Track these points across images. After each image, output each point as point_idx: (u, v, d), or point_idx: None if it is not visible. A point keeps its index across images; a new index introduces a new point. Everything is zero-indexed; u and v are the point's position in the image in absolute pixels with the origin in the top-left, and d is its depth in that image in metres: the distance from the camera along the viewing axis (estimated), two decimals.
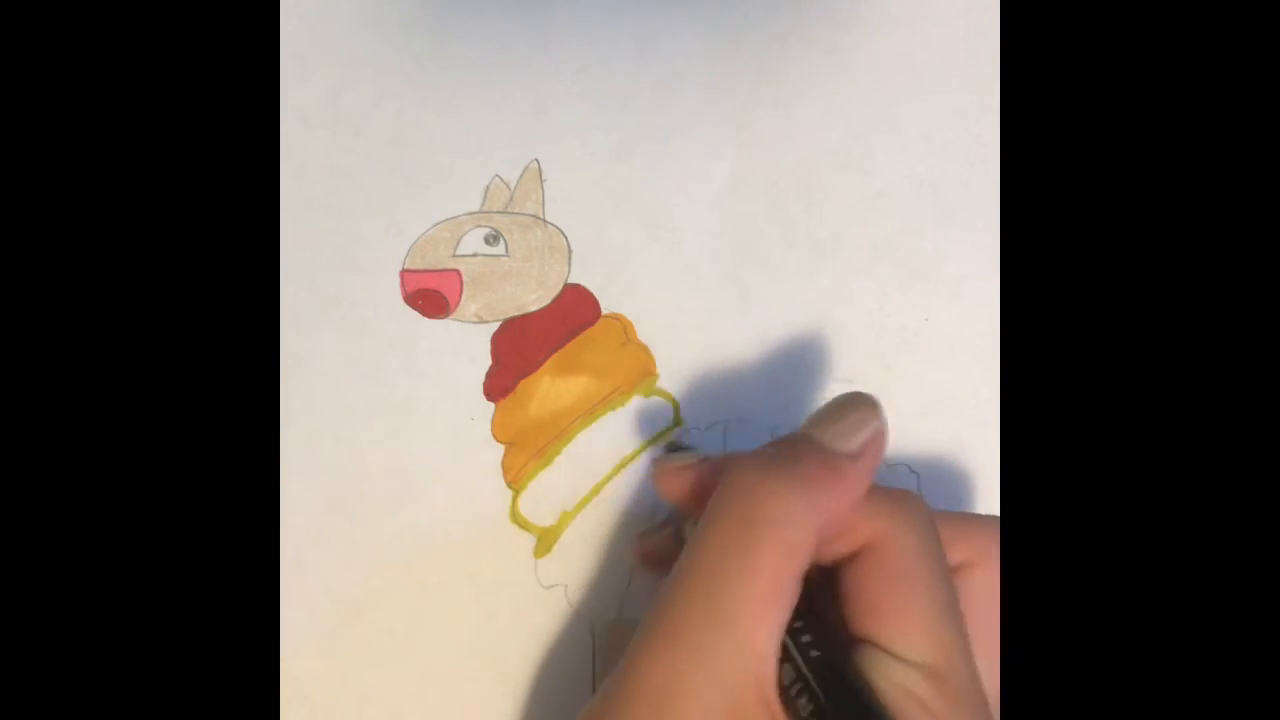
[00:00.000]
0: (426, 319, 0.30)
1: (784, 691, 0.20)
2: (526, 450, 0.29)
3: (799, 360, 0.30)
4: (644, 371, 0.30)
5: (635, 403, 0.30)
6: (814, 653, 0.20)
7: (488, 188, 0.31)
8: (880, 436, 0.23)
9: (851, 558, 0.22)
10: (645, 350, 0.30)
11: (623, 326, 0.30)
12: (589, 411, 0.30)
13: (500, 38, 0.33)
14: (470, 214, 0.31)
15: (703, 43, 0.33)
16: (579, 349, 0.30)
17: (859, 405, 0.23)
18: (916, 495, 0.23)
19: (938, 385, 0.30)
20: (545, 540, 0.29)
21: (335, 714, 0.27)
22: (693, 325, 0.30)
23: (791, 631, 0.21)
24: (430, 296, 0.30)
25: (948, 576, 0.22)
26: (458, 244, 0.31)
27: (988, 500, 0.29)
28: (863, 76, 0.33)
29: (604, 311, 0.30)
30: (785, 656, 0.20)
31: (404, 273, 0.31)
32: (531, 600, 0.28)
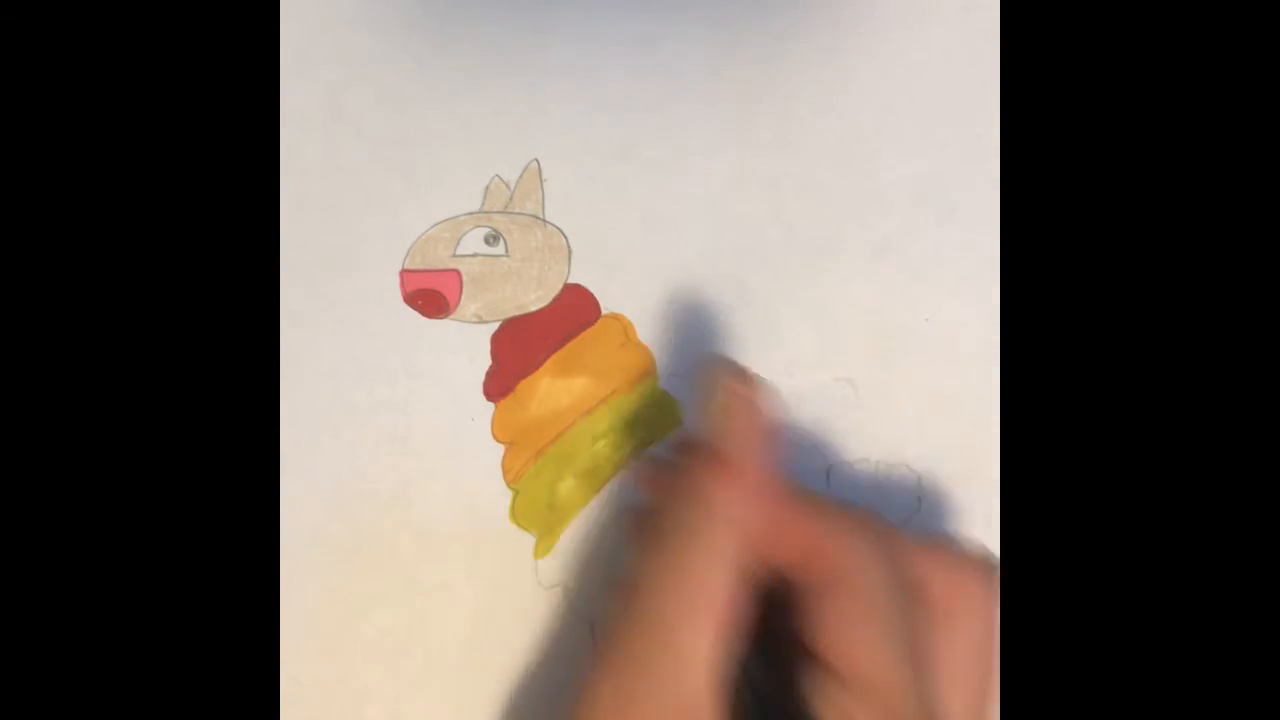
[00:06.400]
0: (426, 319, 0.30)
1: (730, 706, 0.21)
2: (526, 450, 0.29)
3: (799, 360, 0.30)
4: (644, 371, 0.30)
5: (635, 403, 0.30)
6: (760, 672, 0.22)
7: (488, 188, 0.31)
8: (749, 412, 0.23)
9: (806, 575, 0.22)
10: (645, 350, 0.30)
11: (623, 326, 0.30)
12: (589, 411, 0.30)
13: (500, 38, 0.33)
14: (470, 214, 0.31)
15: (703, 43, 0.33)
16: (579, 349, 0.30)
17: (718, 392, 0.23)
18: (874, 514, 0.23)
19: (938, 385, 0.30)
20: (545, 540, 0.29)
21: (335, 714, 0.27)
22: (693, 325, 0.30)
23: (742, 654, 0.22)
24: (430, 296, 0.30)
25: (899, 600, 0.22)
26: (458, 244, 0.31)
27: (987, 500, 0.29)
28: (863, 76, 0.33)
29: (604, 311, 0.30)
30: (734, 674, 0.21)
31: (404, 273, 0.31)
32: (531, 600, 0.28)
